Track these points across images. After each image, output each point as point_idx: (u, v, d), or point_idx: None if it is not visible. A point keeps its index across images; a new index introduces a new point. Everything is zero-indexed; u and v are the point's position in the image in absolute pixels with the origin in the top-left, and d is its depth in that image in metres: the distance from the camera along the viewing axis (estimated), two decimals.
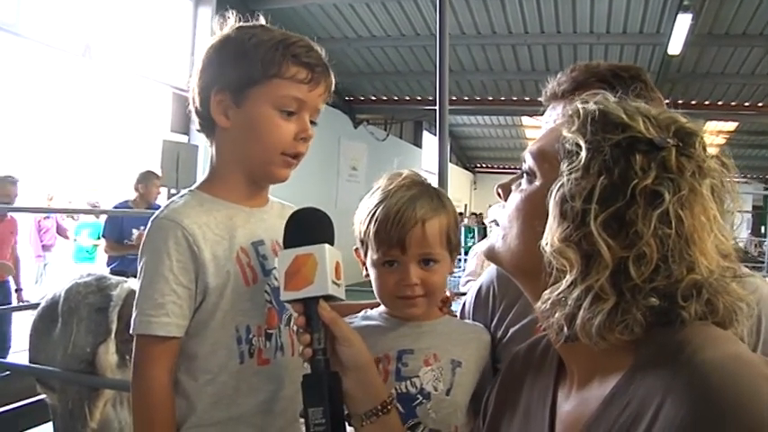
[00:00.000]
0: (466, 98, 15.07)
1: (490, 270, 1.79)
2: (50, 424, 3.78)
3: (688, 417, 0.82)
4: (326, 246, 1.34)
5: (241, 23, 1.58)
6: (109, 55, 8.69)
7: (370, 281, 1.59)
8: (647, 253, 0.91)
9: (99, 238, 11.50)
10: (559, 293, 0.97)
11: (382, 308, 1.64)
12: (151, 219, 1.54)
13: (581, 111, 1.04)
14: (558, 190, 0.99)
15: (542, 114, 1.72)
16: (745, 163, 21.88)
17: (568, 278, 0.95)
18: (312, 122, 1.57)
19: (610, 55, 11.71)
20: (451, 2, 9.24)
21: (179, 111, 10.10)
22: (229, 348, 1.52)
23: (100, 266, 7.00)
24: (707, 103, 13.67)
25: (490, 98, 15.30)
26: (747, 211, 20.12)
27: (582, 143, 0.99)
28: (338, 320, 1.35)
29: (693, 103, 13.32)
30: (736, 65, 12.12)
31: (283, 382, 1.58)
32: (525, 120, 20.33)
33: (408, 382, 1.53)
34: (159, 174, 6.66)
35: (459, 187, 24.68)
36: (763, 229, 21.99)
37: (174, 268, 1.47)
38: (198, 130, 1.63)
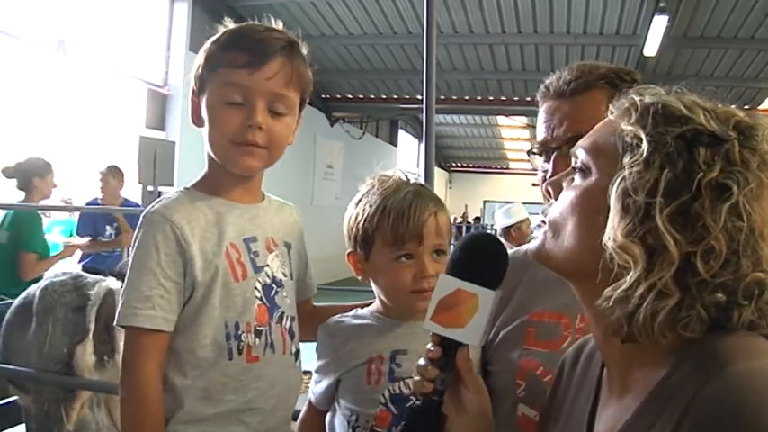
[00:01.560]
0: (443, 97, 15.07)
1: None
2: (23, 426, 3.71)
3: (711, 426, 0.81)
4: (495, 294, 1.17)
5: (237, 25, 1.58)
6: (83, 50, 8.61)
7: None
8: (716, 247, 0.89)
9: (71, 236, 11.37)
10: (623, 290, 0.94)
11: (374, 307, 1.63)
12: (142, 214, 1.55)
13: (638, 103, 1.01)
14: (619, 184, 0.96)
15: (536, 115, 1.68)
16: None
17: (632, 275, 0.92)
18: (276, 113, 1.54)
19: (586, 56, 11.78)
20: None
21: (154, 107, 10.03)
22: (218, 344, 1.51)
23: (74, 264, 6.89)
24: None
25: (467, 97, 15.33)
26: None
27: (643, 135, 0.96)
28: (472, 367, 1.22)
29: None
30: (711, 67, 12.24)
31: (273, 379, 1.58)
32: (501, 119, 20.42)
33: (402, 382, 1.52)
34: (128, 170, 6.60)
35: (435, 186, 24.66)
36: None
37: (162, 262, 1.48)
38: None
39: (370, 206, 1.54)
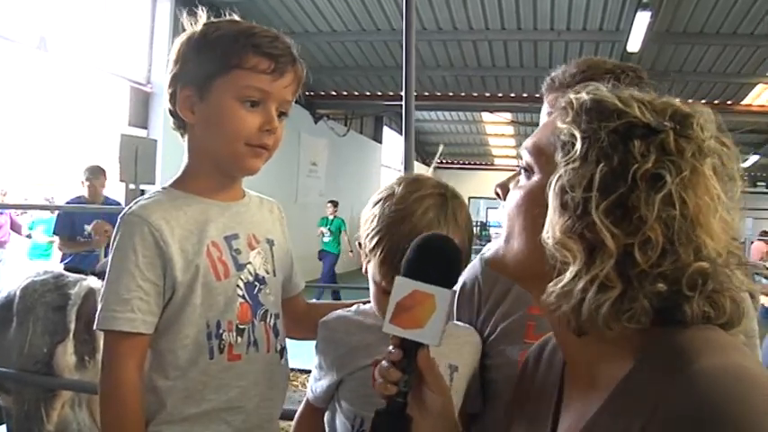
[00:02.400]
0: (426, 94, 15.11)
1: (473, 265, 1.76)
2: (3, 427, 3.68)
3: (679, 424, 0.81)
4: (451, 292, 1.17)
5: (211, 19, 1.56)
6: (65, 48, 8.55)
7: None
8: (652, 237, 0.90)
9: (54, 235, 11.32)
10: (564, 285, 0.94)
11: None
12: (120, 215, 1.53)
13: (574, 101, 1.02)
14: (556, 181, 0.97)
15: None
16: None
17: (572, 269, 0.93)
18: (283, 114, 1.55)
19: (570, 52, 11.82)
20: None
21: (137, 105, 9.99)
22: (199, 344, 1.50)
23: (55, 263, 6.86)
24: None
25: (451, 94, 15.37)
26: None
27: (577, 133, 0.97)
28: (434, 368, 1.23)
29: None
30: (694, 62, 12.33)
31: (256, 378, 1.56)
32: (485, 116, 20.45)
33: None
34: (111, 168, 6.56)
35: None
36: None
37: (141, 264, 1.46)
38: (173, 129, 1.61)
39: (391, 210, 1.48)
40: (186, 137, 1.59)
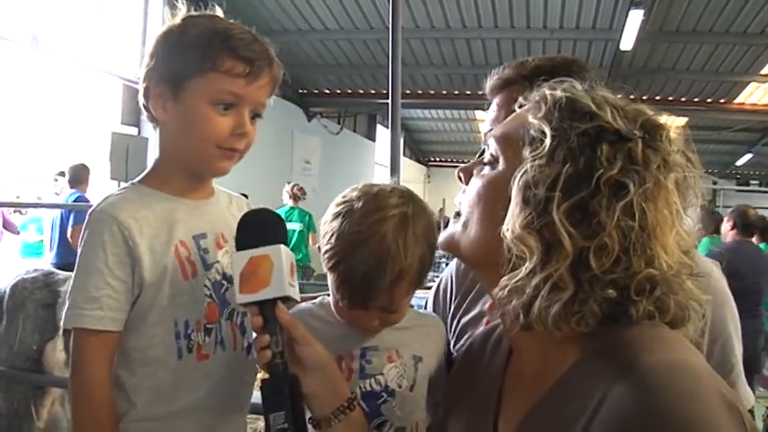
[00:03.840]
0: (420, 92, 15.10)
1: (452, 264, 1.79)
2: None
3: (625, 417, 0.83)
4: (282, 246, 1.31)
5: (190, 13, 1.54)
6: (57, 45, 8.52)
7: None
8: (608, 244, 0.91)
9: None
10: (518, 281, 0.96)
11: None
12: (88, 212, 1.52)
13: (548, 97, 1.03)
14: (521, 176, 0.98)
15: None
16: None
17: (528, 266, 0.94)
18: (257, 116, 1.54)
19: (563, 50, 11.81)
20: None
21: (129, 103, 9.95)
22: (167, 343, 1.50)
23: (47, 262, 6.85)
24: (657, 98, 13.84)
25: (444, 92, 15.37)
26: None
27: (547, 130, 0.98)
28: (296, 322, 1.31)
29: (644, 98, 13.26)
30: (687, 61, 12.34)
31: (224, 377, 1.56)
32: (479, 114, 20.43)
33: (373, 379, 1.51)
34: (103, 166, 6.57)
35: (413, 181, 24.73)
36: None
37: (110, 262, 1.45)
38: (148, 120, 1.60)
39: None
40: (158, 131, 1.58)
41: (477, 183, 1.11)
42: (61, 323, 3.31)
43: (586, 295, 0.92)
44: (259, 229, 1.35)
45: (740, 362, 1.55)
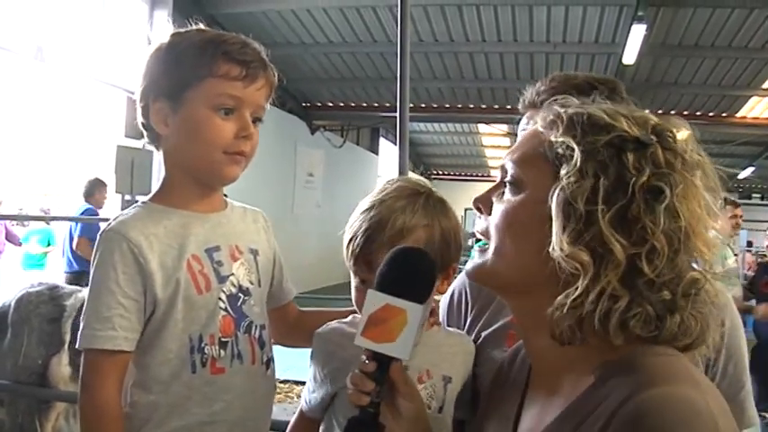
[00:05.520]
0: (423, 105, 15.09)
1: (462, 275, 1.77)
2: None
3: None
4: (422, 307, 1.18)
5: (177, 29, 1.56)
6: (62, 58, 8.54)
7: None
8: (658, 247, 0.93)
9: (49, 245, 11.30)
10: (576, 298, 0.96)
11: None
12: (99, 232, 1.52)
13: (563, 114, 1.04)
14: (558, 194, 0.99)
15: (518, 123, 1.73)
16: None
17: (582, 281, 0.95)
18: (258, 119, 1.55)
19: (566, 64, 11.83)
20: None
21: (133, 115, 9.93)
22: (181, 358, 1.50)
23: (50, 274, 6.86)
24: (660, 112, 13.73)
25: (447, 105, 15.36)
26: None
27: (574, 145, 0.99)
28: (408, 378, 1.25)
29: (647, 112, 13.42)
30: (689, 75, 12.35)
31: (241, 390, 1.56)
32: (482, 127, 20.46)
33: None
34: (110, 180, 6.60)
35: None
36: None
37: (121, 281, 1.45)
38: (147, 143, 1.62)
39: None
40: (162, 149, 1.58)
41: (502, 208, 1.10)
42: (67, 337, 3.34)
43: (642, 300, 0.94)
44: (410, 276, 1.21)
45: (749, 381, 1.59)
